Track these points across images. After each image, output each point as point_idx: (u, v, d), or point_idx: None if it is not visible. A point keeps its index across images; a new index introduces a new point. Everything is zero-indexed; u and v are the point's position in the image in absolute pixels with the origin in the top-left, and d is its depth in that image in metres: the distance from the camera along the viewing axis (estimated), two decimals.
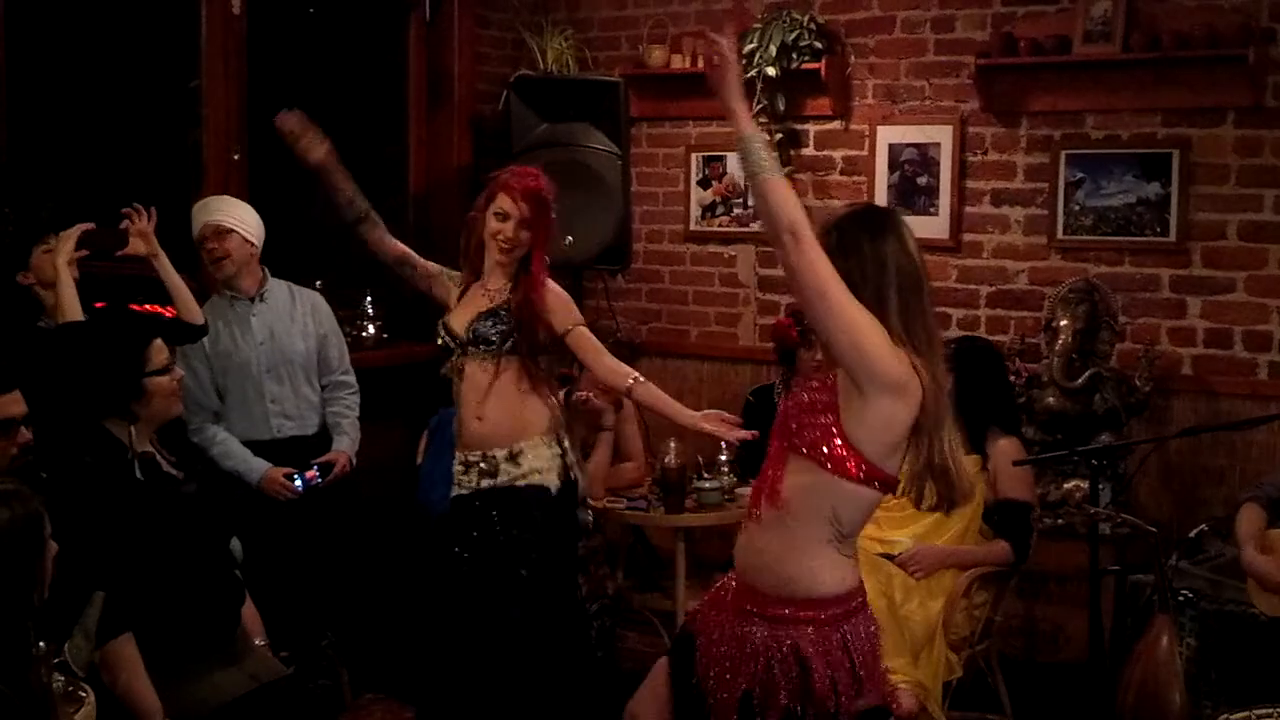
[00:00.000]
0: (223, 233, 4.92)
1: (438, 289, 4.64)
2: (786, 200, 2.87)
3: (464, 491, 4.48)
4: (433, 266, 4.66)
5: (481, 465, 4.44)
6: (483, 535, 4.42)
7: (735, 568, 3.20)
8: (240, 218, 4.96)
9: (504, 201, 4.44)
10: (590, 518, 5.33)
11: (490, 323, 4.43)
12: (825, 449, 2.97)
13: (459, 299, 4.57)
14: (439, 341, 4.54)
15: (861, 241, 3.02)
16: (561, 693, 4.45)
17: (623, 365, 4.53)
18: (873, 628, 3.16)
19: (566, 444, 4.54)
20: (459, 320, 4.50)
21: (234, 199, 5.14)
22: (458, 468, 4.50)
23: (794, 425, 3.04)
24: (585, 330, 4.53)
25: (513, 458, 4.43)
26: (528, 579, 4.38)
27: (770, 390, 5.77)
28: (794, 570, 3.04)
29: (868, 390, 2.92)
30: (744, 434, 4.26)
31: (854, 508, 3.03)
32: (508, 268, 4.49)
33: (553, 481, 4.46)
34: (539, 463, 4.44)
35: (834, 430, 2.97)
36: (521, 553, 4.39)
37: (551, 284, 4.51)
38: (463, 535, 4.46)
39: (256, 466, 4.88)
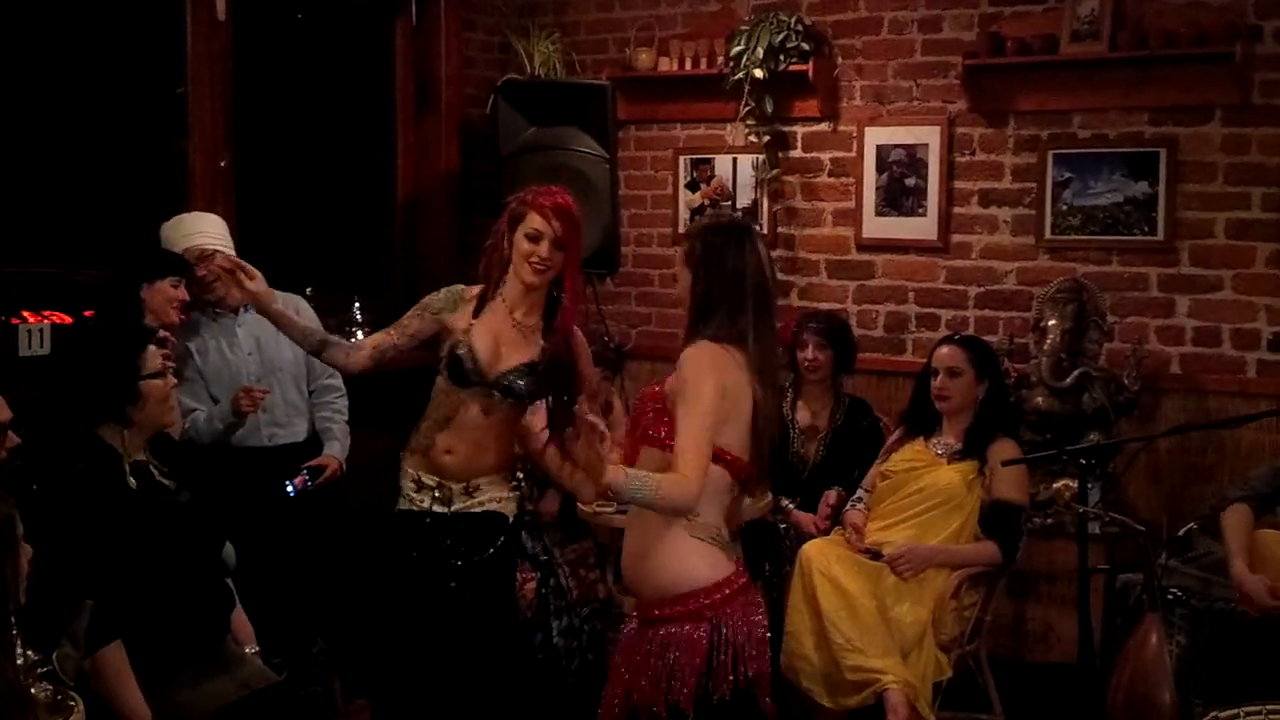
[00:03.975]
0: (207, 255, 4.84)
1: (428, 334, 4.38)
2: (671, 497, 3.20)
3: (412, 508, 4.35)
4: (410, 322, 4.38)
5: (435, 493, 4.31)
6: (425, 556, 4.32)
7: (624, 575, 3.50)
8: (218, 234, 4.92)
9: (535, 220, 4.18)
10: (539, 552, 5.34)
11: (527, 380, 4.22)
12: (661, 430, 3.29)
13: (474, 315, 4.29)
14: (463, 365, 4.23)
15: (724, 255, 3.31)
16: (501, 700, 4.41)
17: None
18: (756, 615, 3.37)
19: (521, 477, 4.42)
20: (487, 348, 4.23)
21: (203, 214, 5.09)
22: (409, 484, 4.35)
23: (639, 415, 3.38)
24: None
25: (468, 491, 4.30)
26: (458, 590, 4.30)
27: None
28: (655, 561, 3.31)
29: None
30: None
31: None
32: (539, 291, 4.26)
33: (509, 510, 4.35)
34: (496, 493, 4.32)
35: (665, 413, 3.30)
36: (468, 572, 4.31)
37: (578, 333, 4.32)
38: (403, 552, 4.36)
39: (224, 406, 4.84)
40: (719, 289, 3.29)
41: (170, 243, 4.90)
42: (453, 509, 4.30)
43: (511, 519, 4.37)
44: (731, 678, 3.27)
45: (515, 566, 4.65)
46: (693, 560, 3.28)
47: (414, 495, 4.34)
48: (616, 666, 3.44)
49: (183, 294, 4.81)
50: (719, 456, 3.26)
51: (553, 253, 4.19)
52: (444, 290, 4.42)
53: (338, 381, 5.19)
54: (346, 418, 5.19)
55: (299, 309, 5.12)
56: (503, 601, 4.51)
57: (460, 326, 4.29)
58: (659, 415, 3.35)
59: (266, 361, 4.99)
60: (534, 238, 4.19)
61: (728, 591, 3.28)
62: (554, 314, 4.30)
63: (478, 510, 4.30)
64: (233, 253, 4.88)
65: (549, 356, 4.23)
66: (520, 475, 4.42)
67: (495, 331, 4.26)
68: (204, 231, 4.92)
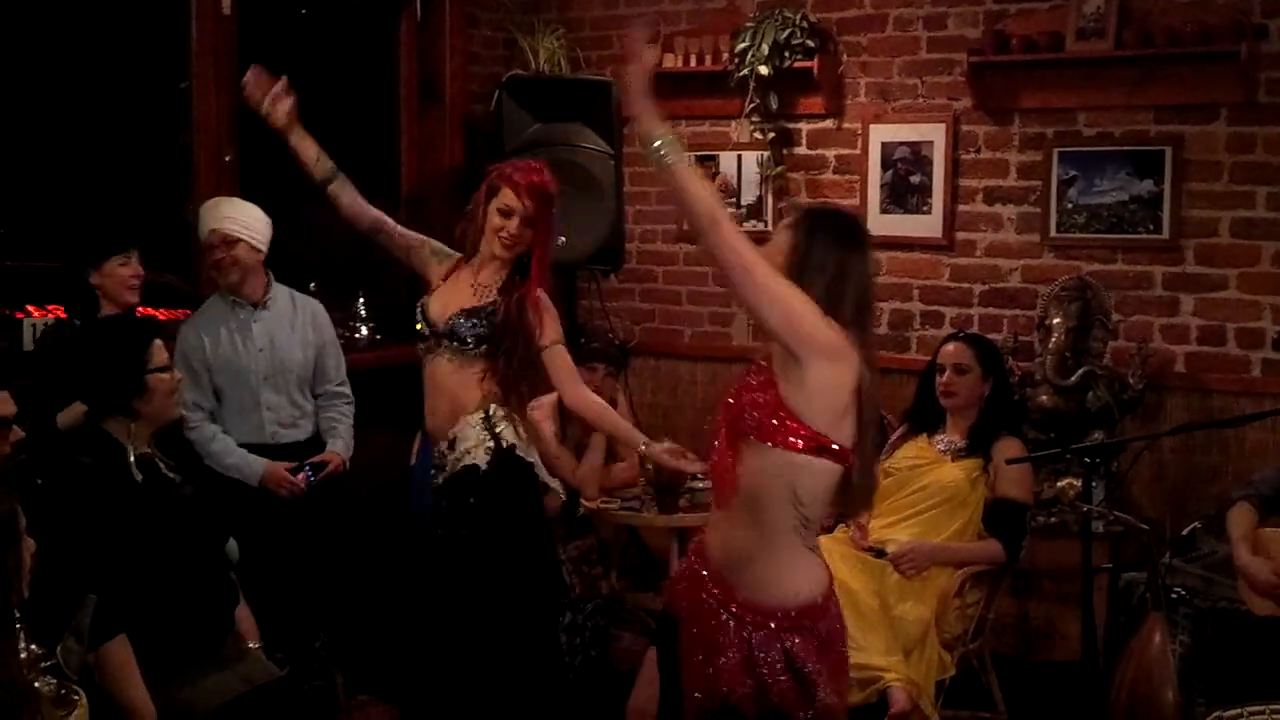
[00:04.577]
0: (230, 241, 4.85)
1: (415, 260, 4.52)
2: (702, 189, 2.96)
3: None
4: (414, 237, 4.54)
5: (438, 461, 4.38)
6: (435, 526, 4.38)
7: (708, 554, 3.19)
8: (248, 224, 4.89)
9: (508, 196, 4.30)
10: (557, 491, 5.20)
11: (471, 323, 4.31)
12: (772, 423, 3.00)
13: (444, 277, 4.46)
14: (416, 325, 4.42)
15: (829, 247, 3.05)
16: (529, 686, 4.40)
17: (592, 395, 4.47)
18: (839, 623, 3.19)
19: (498, 414, 4.34)
20: (438, 306, 4.38)
21: (243, 202, 5.04)
22: (433, 472, 4.42)
23: (740, 410, 3.07)
24: (563, 350, 4.40)
25: (451, 446, 4.34)
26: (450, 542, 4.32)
27: None
28: (767, 572, 3.07)
29: (804, 357, 2.94)
30: (698, 466, 4.13)
31: (812, 483, 3.04)
32: (506, 263, 4.38)
33: (480, 458, 4.31)
34: (468, 443, 4.32)
35: (776, 404, 3.00)
36: (459, 535, 4.32)
37: (541, 294, 4.37)
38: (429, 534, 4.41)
39: (256, 465, 4.86)
40: (817, 278, 3.00)
41: (201, 221, 4.91)
42: (447, 473, 4.36)
43: (485, 465, 4.32)
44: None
45: (528, 512, 4.52)
46: (804, 577, 3.10)
47: (435, 482, 4.41)
48: (700, 654, 3.16)
49: (135, 269, 4.75)
50: (829, 449, 3.00)
51: (521, 230, 4.33)
52: (445, 247, 4.56)
53: (346, 389, 5.19)
54: (352, 422, 5.17)
55: (315, 314, 5.13)
56: (522, 560, 4.46)
57: (432, 285, 4.47)
58: (753, 406, 3.06)
59: (276, 361, 4.96)
60: (505, 213, 4.33)
61: (833, 604, 3.16)
62: (514, 279, 4.38)
63: (459, 468, 4.33)
64: (263, 246, 4.90)
65: (500, 311, 4.30)
66: (493, 414, 4.35)
67: (451, 290, 4.41)
68: (235, 218, 4.89)
